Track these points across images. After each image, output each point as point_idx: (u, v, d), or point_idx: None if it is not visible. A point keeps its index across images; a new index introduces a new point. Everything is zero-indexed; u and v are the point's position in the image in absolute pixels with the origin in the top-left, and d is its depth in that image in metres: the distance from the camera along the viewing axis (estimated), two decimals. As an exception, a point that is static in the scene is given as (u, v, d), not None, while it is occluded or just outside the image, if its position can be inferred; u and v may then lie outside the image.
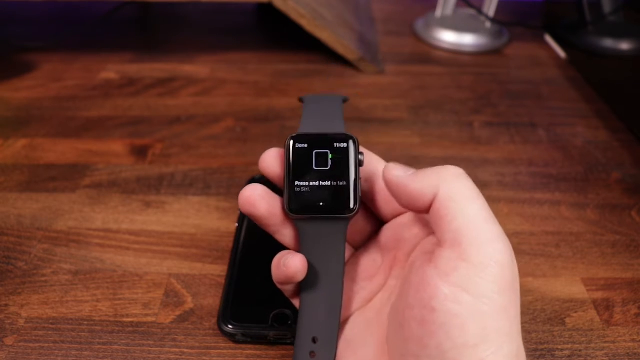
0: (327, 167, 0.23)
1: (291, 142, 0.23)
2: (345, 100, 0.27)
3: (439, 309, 0.18)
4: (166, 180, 0.40)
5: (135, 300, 0.31)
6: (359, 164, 0.23)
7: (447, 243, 0.19)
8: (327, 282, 0.23)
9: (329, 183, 0.22)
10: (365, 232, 0.25)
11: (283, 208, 0.23)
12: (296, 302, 0.24)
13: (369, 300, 0.24)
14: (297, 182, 0.22)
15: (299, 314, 0.23)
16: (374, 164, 0.24)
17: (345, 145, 0.23)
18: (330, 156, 0.23)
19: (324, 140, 0.23)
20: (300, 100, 0.27)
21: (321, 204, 0.22)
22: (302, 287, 0.23)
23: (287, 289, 0.24)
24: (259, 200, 0.23)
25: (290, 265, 0.22)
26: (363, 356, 0.22)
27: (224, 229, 0.36)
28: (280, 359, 0.28)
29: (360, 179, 0.23)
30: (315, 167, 0.23)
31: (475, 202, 0.20)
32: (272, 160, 0.24)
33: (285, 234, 0.24)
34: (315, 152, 0.23)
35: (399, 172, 0.22)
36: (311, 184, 0.22)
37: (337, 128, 0.24)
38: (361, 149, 0.24)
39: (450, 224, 0.20)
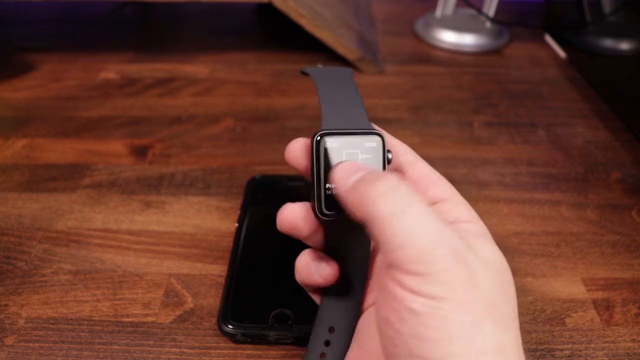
0: None
1: (320, 141, 0.22)
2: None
3: (398, 308, 0.19)
4: (166, 180, 0.40)
5: (135, 300, 0.31)
6: (388, 161, 0.22)
7: (392, 254, 0.19)
8: (351, 280, 0.23)
9: None
10: None
11: (313, 209, 0.23)
12: (315, 297, 0.25)
13: None
14: (328, 185, 0.22)
15: (320, 306, 0.24)
16: (400, 157, 0.24)
17: (374, 144, 0.22)
18: (360, 156, 0.22)
19: (352, 139, 0.22)
20: (303, 73, 0.25)
21: None
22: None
23: (310, 289, 0.24)
24: (302, 223, 0.22)
25: (328, 277, 0.22)
26: (366, 352, 0.22)
27: (224, 229, 0.36)
28: (280, 359, 0.28)
29: None
30: None
31: (404, 214, 0.19)
32: (299, 152, 0.23)
33: (315, 239, 0.24)
34: (345, 152, 0.22)
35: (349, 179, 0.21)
36: None
37: (361, 119, 0.23)
38: (389, 137, 0.24)
39: (389, 240, 0.19)
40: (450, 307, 0.18)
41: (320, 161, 0.22)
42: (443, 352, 0.18)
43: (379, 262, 0.24)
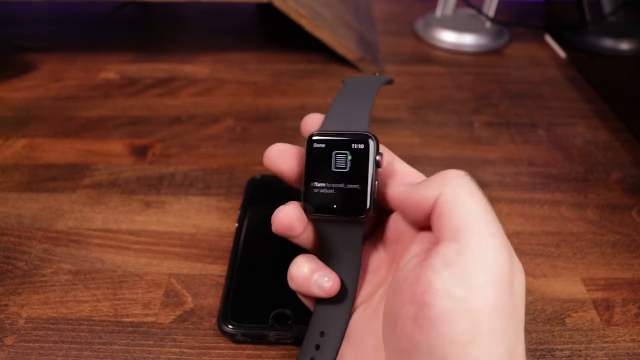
0: (345, 168, 0.22)
1: (310, 141, 0.23)
2: (388, 82, 0.26)
3: (432, 304, 0.18)
4: (166, 180, 0.40)
5: (135, 300, 0.31)
6: (377, 165, 0.22)
7: (446, 240, 0.19)
8: (344, 282, 0.23)
9: (345, 185, 0.22)
10: (372, 221, 0.25)
11: (303, 208, 0.23)
12: (308, 303, 0.25)
13: (372, 294, 0.24)
14: (313, 183, 0.23)
15: (314, 311, 0.24)
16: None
17: (363, 146, 0.22)
18: (348, 157, 0.22)
19: (343, 141, 0.23)
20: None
21: (336, 205, 0.22)
22: None
23: (303, 295, 0.24)
24: (297, 224, 0.23)
25: (330, 291, 0.22)
26: (362, 353, 0.22)
27: (224, 229, 0.36)
28: (280, 359, 0.28)
29: (377, 180, 0.22)
30: (333, 168, 0.22)
31: (474, 200, 0.20)
32: (276, 157, 0.24)
33: (308, 240, 0.24)
34: (334, 153, 0.23)
35: (402, 187, 0.22)
36: (327, 184, 0.22)
37: (361, 123, 0.23)
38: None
39: (449, 221, 0.19)
40: (482, 308, 0.18)
41: (309, 161, 0.23)
42: (465, 356, 0.17)
43: (392, 254, 0.23)
